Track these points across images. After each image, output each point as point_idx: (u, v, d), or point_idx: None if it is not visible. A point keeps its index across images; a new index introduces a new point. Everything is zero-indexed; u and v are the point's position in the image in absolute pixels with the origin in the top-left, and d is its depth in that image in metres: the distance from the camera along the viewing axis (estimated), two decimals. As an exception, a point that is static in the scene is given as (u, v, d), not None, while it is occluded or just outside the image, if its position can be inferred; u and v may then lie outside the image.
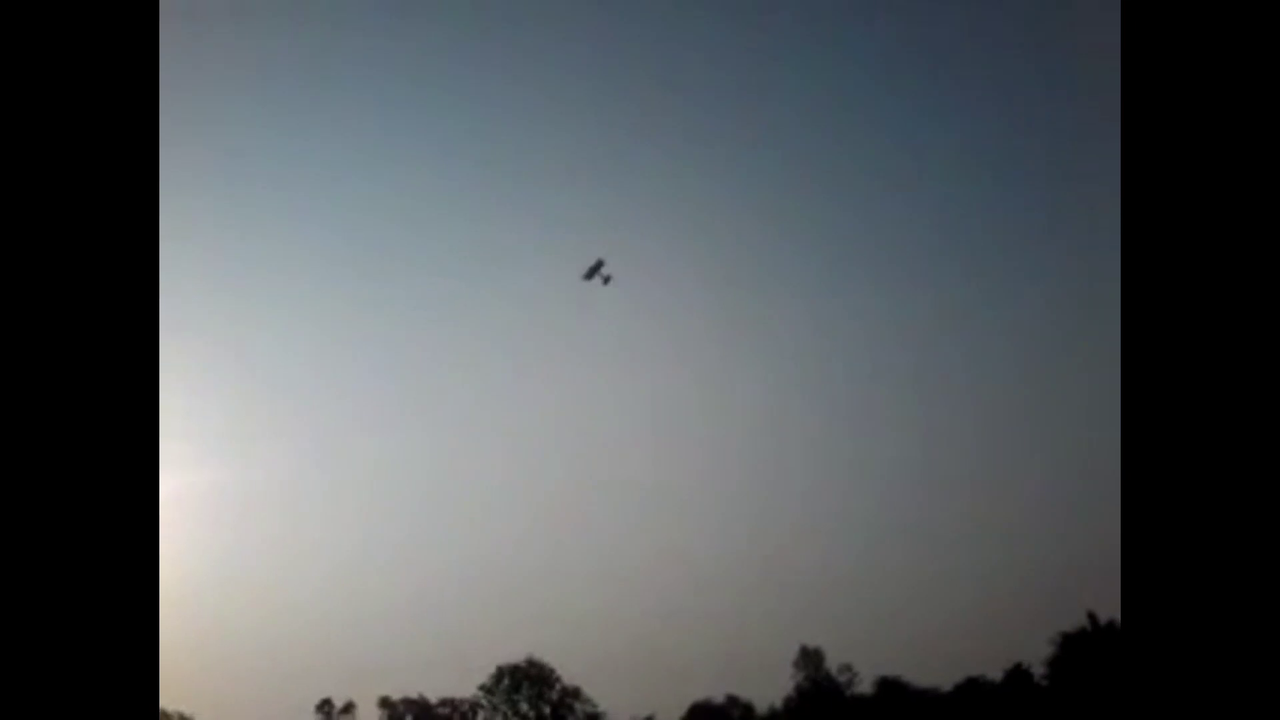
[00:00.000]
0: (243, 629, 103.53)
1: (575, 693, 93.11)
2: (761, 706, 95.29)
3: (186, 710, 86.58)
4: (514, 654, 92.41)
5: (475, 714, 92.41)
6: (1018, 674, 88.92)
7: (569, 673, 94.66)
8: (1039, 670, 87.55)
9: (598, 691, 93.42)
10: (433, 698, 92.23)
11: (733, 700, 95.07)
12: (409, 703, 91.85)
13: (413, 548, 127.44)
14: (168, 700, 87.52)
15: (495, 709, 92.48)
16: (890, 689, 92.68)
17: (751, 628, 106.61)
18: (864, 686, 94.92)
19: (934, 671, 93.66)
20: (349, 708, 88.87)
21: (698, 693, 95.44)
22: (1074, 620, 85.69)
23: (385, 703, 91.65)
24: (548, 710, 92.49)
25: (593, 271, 49.06)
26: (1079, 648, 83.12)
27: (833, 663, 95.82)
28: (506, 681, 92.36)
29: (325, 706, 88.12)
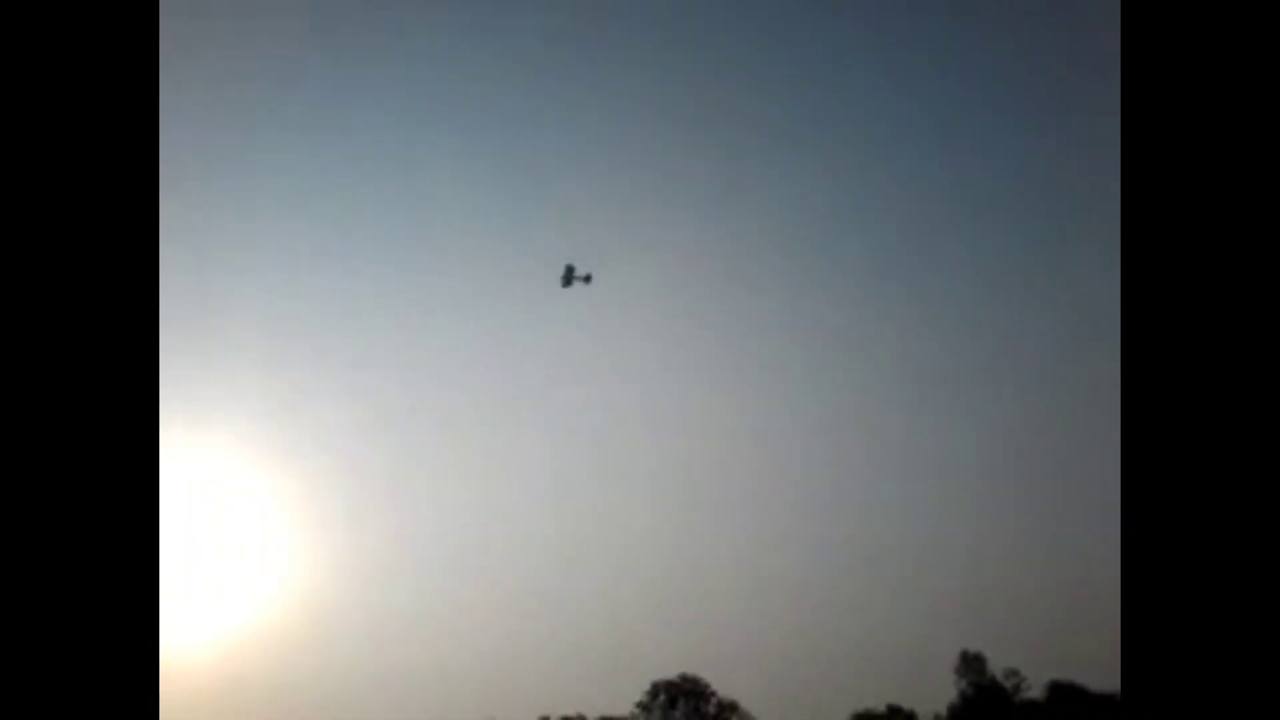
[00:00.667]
0: (405, 652, 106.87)
1: (732, 706, 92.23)
2: (925, 715, 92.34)
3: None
4: (668, 670, 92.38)
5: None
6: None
7: (725, 687, 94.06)
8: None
9: (755, 705, 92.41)
10: (590, 715, 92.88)
11: (895, 710, 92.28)
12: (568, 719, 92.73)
13: (564, 567, 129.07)
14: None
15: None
16: (1064, 694, 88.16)
17: (908, 635, 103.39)
18: (1034, 692, 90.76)
19: (1111, 674, 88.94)
20: None
21: (858, 703, 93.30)
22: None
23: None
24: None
25: (569, 278, 48.16)
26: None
27: (996, 668, 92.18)
28: (662, 697, 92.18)
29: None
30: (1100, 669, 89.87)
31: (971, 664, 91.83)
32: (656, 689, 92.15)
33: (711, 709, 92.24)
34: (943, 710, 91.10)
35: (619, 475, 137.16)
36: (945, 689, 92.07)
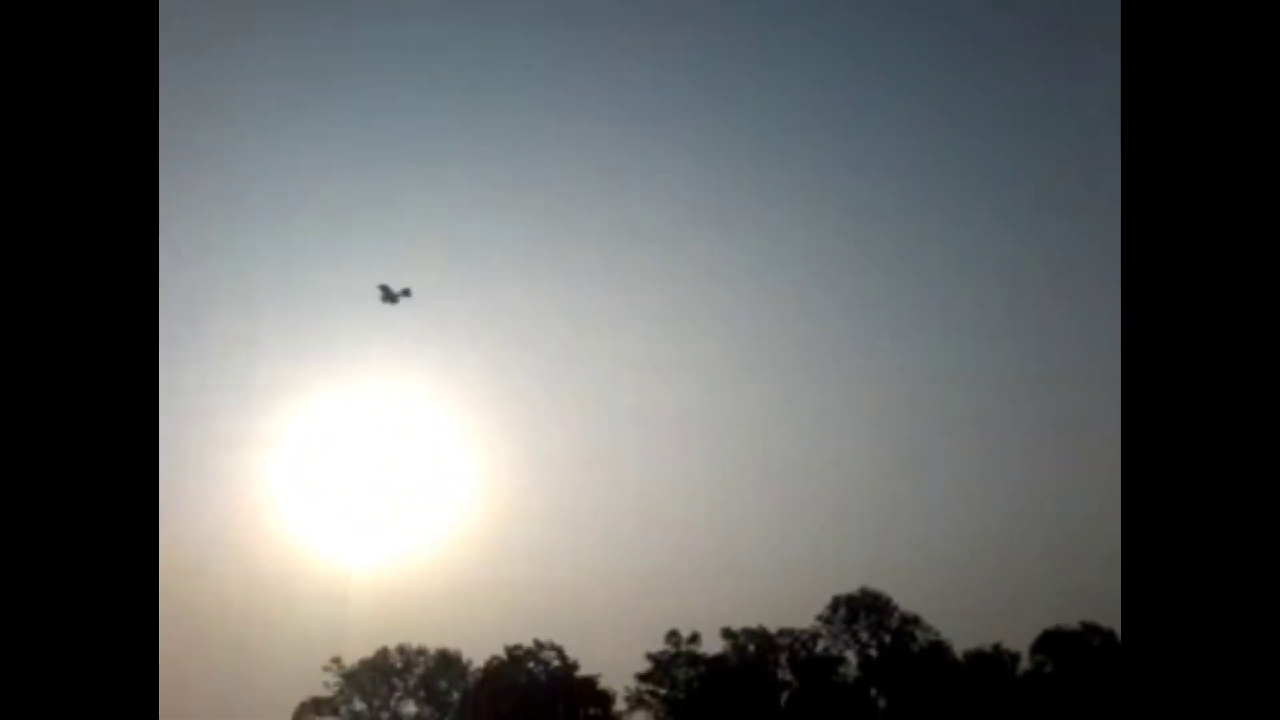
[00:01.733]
0: (603, 567, 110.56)
1: (915, 620, 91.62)
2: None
3: (557, 640, 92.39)
4: (849, 584, 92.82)
5: (815, 643, 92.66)
6: None
7: (907, 601, 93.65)
8: None
9: (938, 620, 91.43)
10: (772, 628, 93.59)
11: (1090, 627, 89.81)
12: (749, 633, 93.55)
13: (744, 482, 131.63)
14: (538, 633, 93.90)
15: (835, 637, 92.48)
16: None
17: (1100, 553, 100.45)
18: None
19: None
20: (695, 638, 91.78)
21: (1048, 621, 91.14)
22: None
23: (728, 633, 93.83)
24: (887, 638, 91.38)
25: (389, 296, 50.32)
26: None
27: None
28: (843, 611, 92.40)
29: (673, 637, 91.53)
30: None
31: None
32: (837, 603, 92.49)
33: (893, 623, 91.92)
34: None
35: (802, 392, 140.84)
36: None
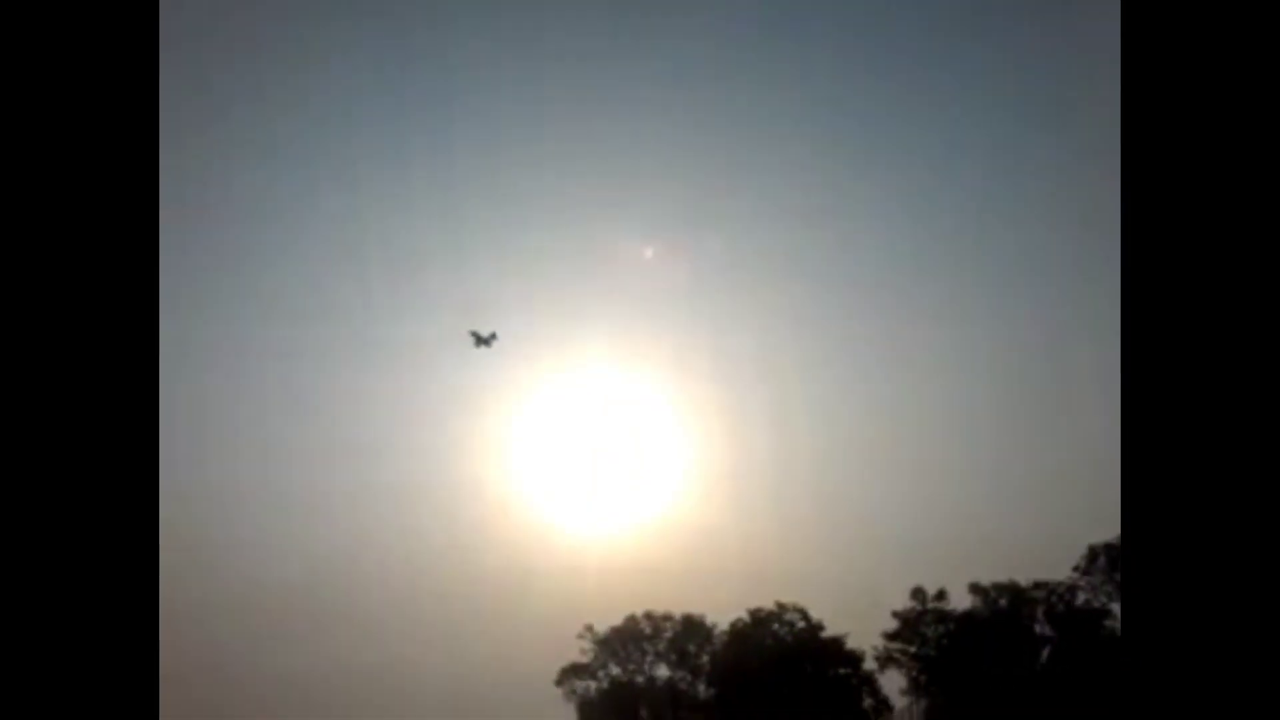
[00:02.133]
0: (844, 528, 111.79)
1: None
2: None
3: (800, 602, 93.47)
4: (1105, 533, 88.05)
5: (1073, 595, 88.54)
6: None
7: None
8: None
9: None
10: (1023, 581, 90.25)
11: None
12: (1000, 587, 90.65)
13: (985, 438, 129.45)
14: (779, 596, 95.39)
15: (1096, 589, 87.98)
16: None
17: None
18: None
19: None
20: (941, 595, 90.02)
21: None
22: None
23: (976, 588, 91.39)
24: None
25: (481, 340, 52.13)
26: None
27: None
28: (1102, 560, 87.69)
29: (919, 594, 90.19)
30: None
31: None
32: (1094, 552, 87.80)
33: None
34: None
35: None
36: None
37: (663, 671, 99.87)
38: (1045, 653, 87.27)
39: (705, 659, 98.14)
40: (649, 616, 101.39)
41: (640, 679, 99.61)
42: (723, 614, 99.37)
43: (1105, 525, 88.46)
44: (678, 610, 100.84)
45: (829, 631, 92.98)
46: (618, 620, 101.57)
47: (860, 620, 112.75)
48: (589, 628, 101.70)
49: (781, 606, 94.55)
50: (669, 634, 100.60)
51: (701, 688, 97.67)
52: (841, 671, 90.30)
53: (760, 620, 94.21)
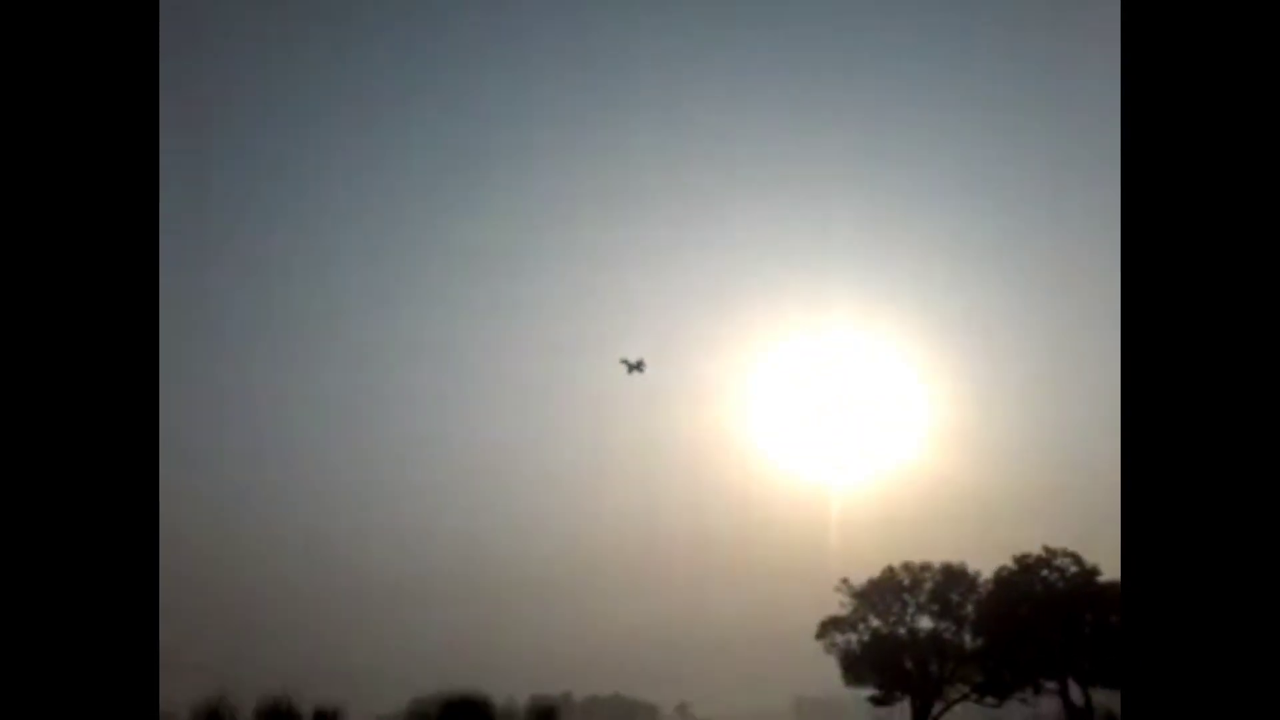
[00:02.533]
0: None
1: None
2: None
3: (928, 559, 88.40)
4: None
5: None
6: None
7: None
8: None
9: None
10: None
11: None
12: None
13: None
14: (1052, 542, 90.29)
15: None
16: None
17: None
18: None
19: None
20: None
21: None
22: None
23: None
24: None
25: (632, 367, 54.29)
26: None
27: None
28: None
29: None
30: None
31: None
32: None
33: None
34: None
35: None
36: None
37: (925, 623, 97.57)
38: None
39: (970, 608, 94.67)
40: (907, 567, 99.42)
41: (902, 630, 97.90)
42: (985, 563, 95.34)
43: None
44: (936, 560, 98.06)
45: (1106, 577, 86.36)
46: (874, 573, 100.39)
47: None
48: (845, 581, 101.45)
49: (1050, 551, 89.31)
50: (929, 584, 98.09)
51: (967, 638, 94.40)
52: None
53: (1027, 567, 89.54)
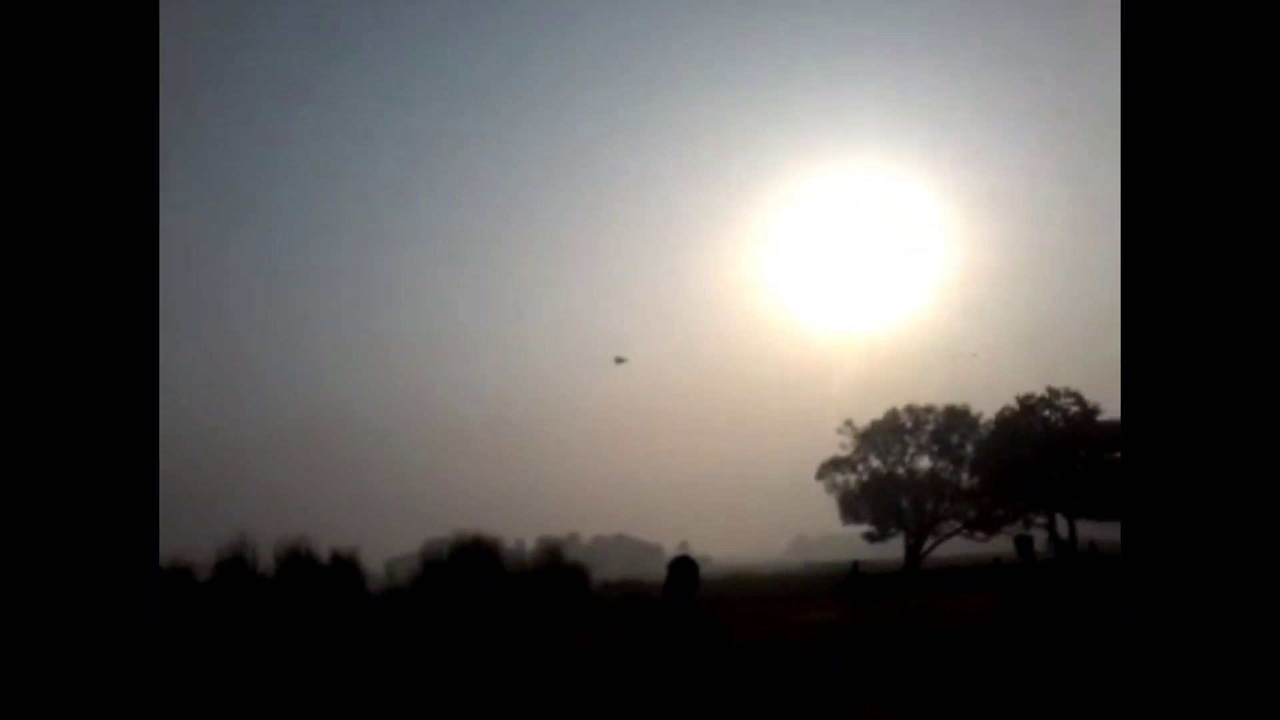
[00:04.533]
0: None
1: None
2: None
3: (1076, 387, 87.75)
4: None
5: None
6: None
7: None
8: None
9: None
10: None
11: None
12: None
13: None
14: (1058, 383, 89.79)
15: None
16: None
17: None
18: None
19: None
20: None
21: None
22: None
23: None
24: None
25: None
26: None
27: None
28: None
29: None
30: None
31: None
32: None
33: None
34: None
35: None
36: None
37: (924, 463, 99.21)
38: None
39: (969, 448, 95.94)
40: (910, 409, 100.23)
41: (901, 470, 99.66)
42: (989, 405, 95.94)
43: None
44: (941, 403, 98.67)
45: (1107, 415, 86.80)
46: (879, 415, 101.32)
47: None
48: (848, 422, 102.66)
49: (1053, 392, 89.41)
50: (931, 426, 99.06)
51: (964, 476, 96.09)
52: (1119, 455, 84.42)
53: (1030, 407, 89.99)
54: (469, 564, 61.81)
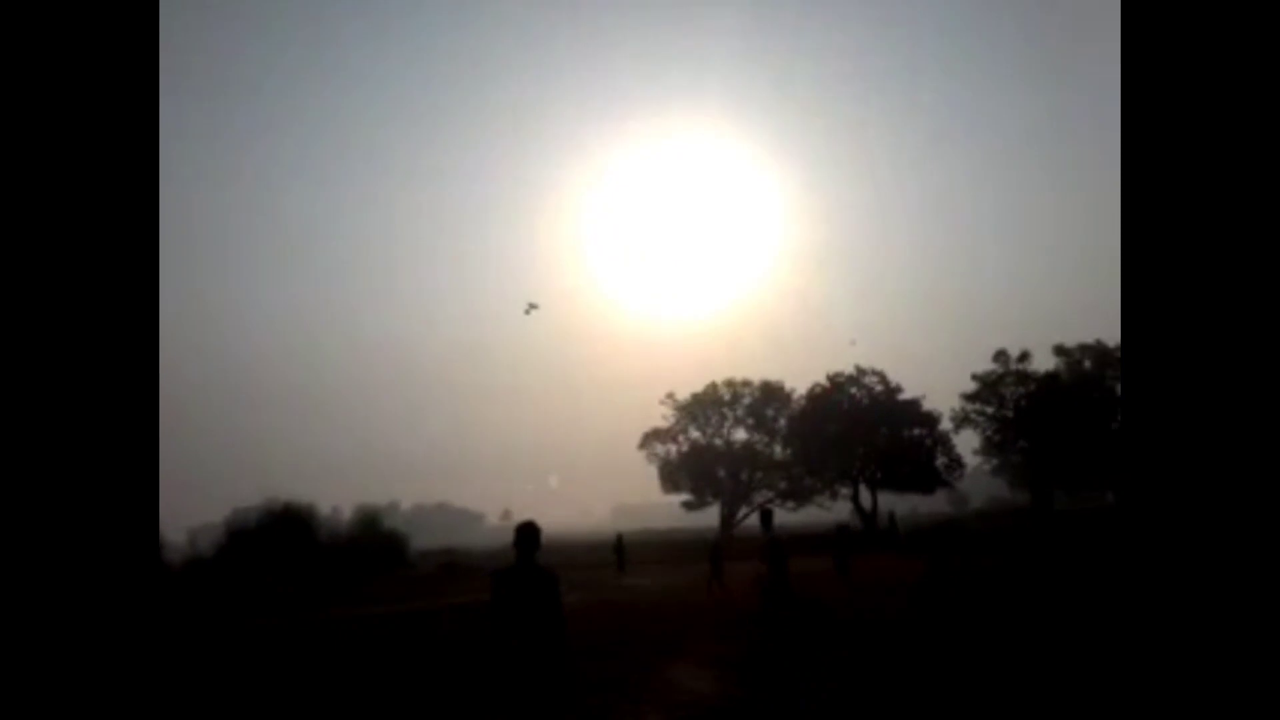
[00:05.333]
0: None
1: None
2: None
3: (882, 367, 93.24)
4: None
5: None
6: None
7: None
8: None
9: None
10: (1110, 343, 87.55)
11: None
12: (1085, 348, 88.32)
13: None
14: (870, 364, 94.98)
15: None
16: None
17: None
18: None
19: None
20: (1025, 357, 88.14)
21: None
22: None
23: (1061, 350, 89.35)
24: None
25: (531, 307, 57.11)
26: None
27: None
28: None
29: (1001, 357, 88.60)
30: None
31: None
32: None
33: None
34: None
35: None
36: None
37: (741, 435, 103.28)
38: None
39: (782, 422, 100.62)
40: (729, 384, 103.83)
41: (719, 442, 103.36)
42: (803, 382, 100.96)
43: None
44: (759, 379, 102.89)
45: (908, 395, 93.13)
46: (700, 389, 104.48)
47: (944, 387, 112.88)
48: (670, 395, 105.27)
49: (861, 371, 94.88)
50: (748, 400, 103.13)
51: (777, 448, 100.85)
52: (916, 432, 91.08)
53: (839, 385, 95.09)
54: (279, 533, 59.08)
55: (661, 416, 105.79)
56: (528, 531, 8.60)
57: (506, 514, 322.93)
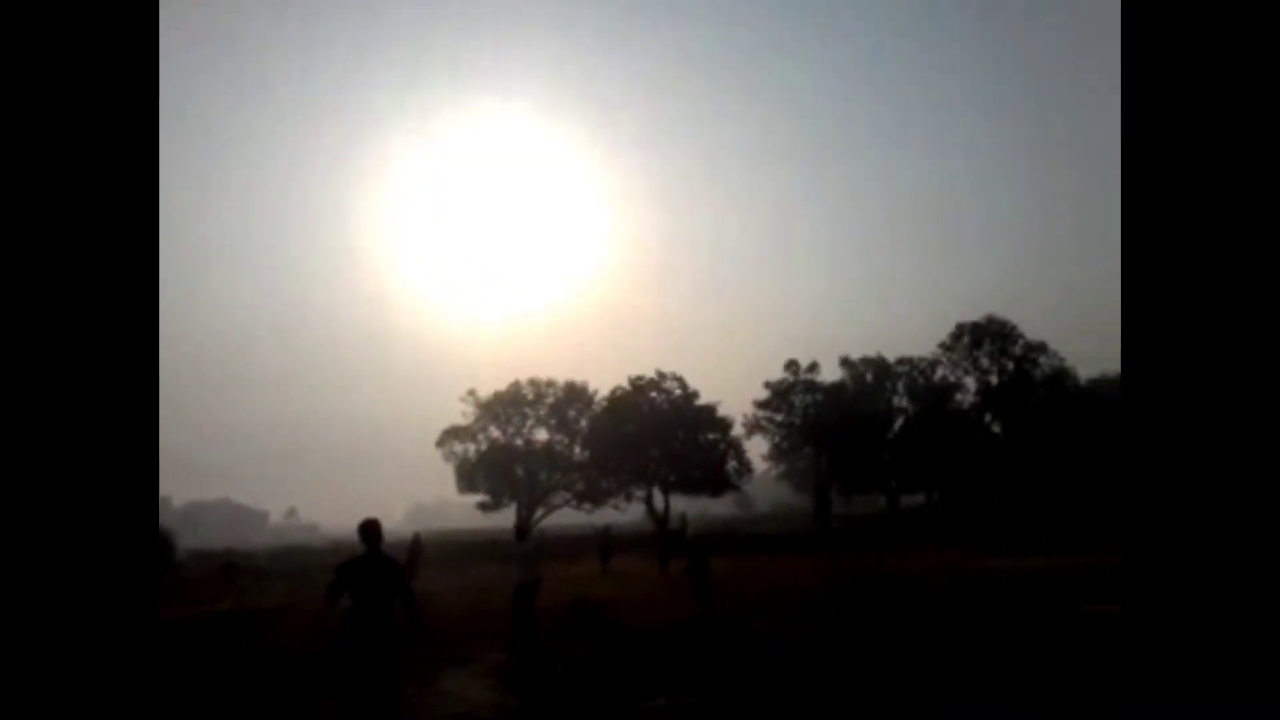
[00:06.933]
0: (722, 306, 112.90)
1: (1041, 347, 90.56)
2: None
3: (681, 372, 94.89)
4: (974, 312, 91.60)
5: (934, 370, 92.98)
6: None
7: (1032, 331, 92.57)
8: None
9: (1065, 348, 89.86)
10: (890, 357, 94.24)
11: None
12: (868, 361, 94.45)
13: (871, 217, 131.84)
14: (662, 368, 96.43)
15: (955, 365, 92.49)
16: None
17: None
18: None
19: None
20: (813, 367, 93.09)
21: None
22: None
23: (845, 362, 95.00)
24: (1010, 365, 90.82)
25: None
26: None
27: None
28: (966, 339, 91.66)
29: (792, 366, 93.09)
30: None
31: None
32: (961, 330, 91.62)
33: (1018, 350, 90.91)
34: None
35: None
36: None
37: (542, 435, 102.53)
38: (899, 423, 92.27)
39: (584, 423, 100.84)
40: (532, 383, 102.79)
41: (519, 441, 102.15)
42: (606, 384, 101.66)
43: (978, 307, 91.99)
44: (562, 379, 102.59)
45: (705, 400, 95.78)
46: (502, 387, 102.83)
47: (740, 393, 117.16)
48: (471, 392, 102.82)
49: (661, 375, 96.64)
50: (550, 399, 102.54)
51: (577, 449, 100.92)
52: (711, 436, 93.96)
53: (640, 388, 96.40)
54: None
55: (462, 414, 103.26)
56: (371, 527, 10.00)
57: (291, 512, 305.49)
